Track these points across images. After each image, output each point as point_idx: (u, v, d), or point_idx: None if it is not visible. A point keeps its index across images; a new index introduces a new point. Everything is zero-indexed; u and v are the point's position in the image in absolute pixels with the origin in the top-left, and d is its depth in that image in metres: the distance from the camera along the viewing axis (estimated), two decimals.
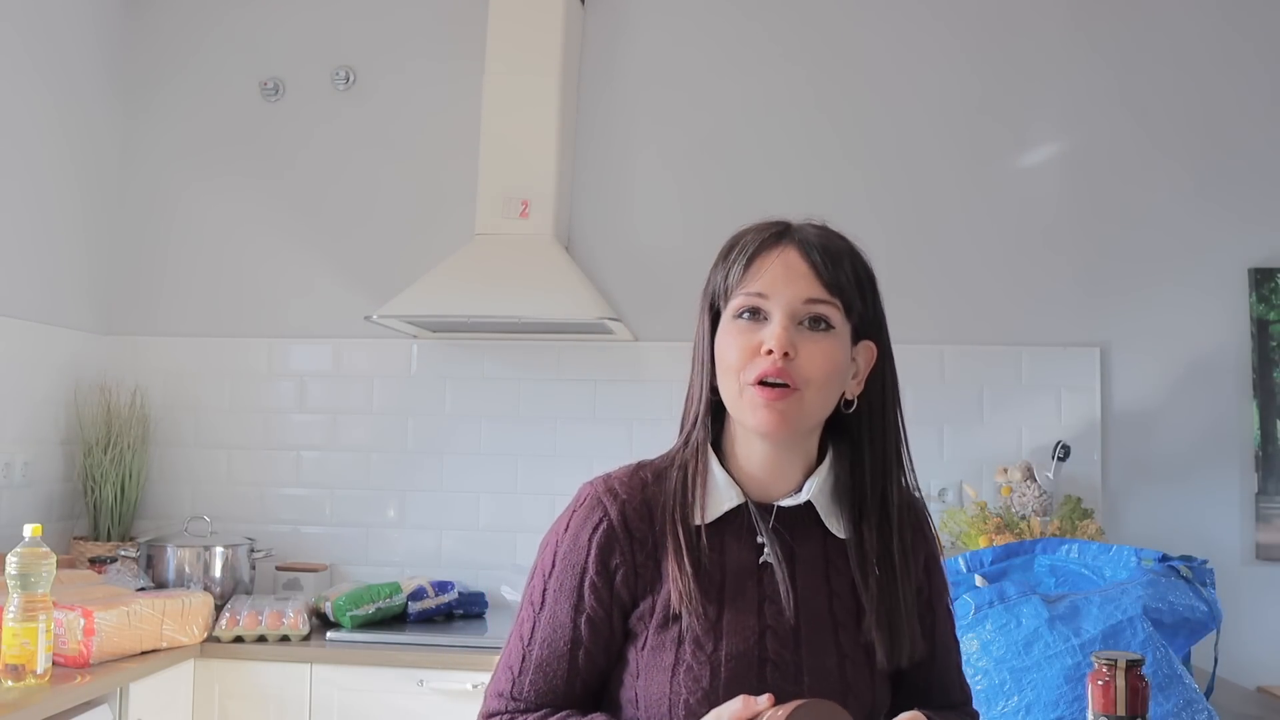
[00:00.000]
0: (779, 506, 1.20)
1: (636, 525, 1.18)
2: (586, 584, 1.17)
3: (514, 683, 1.19)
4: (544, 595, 1.19)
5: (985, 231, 3.15)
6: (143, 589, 2.71)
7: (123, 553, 2.92)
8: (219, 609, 2.73)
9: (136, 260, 3.37)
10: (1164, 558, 1.89)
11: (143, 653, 2.43)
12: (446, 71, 3.31)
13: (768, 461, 1.20)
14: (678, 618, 1.14)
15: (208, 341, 3.31)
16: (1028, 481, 2.83)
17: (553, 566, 1.19)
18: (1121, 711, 1.25)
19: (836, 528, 1.21)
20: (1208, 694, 1.75)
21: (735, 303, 1.18)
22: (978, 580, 1.95)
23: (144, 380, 3.27)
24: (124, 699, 2.32)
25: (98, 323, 3.31)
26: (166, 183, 3.38)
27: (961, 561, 2.03)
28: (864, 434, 1.22)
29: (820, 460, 1.24)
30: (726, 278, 1.20)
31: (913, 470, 1.26)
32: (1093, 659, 1.27)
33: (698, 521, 1.18)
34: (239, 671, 2.61)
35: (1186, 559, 1.90)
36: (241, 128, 3.37)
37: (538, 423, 3.21)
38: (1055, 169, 3.16)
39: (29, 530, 2.13)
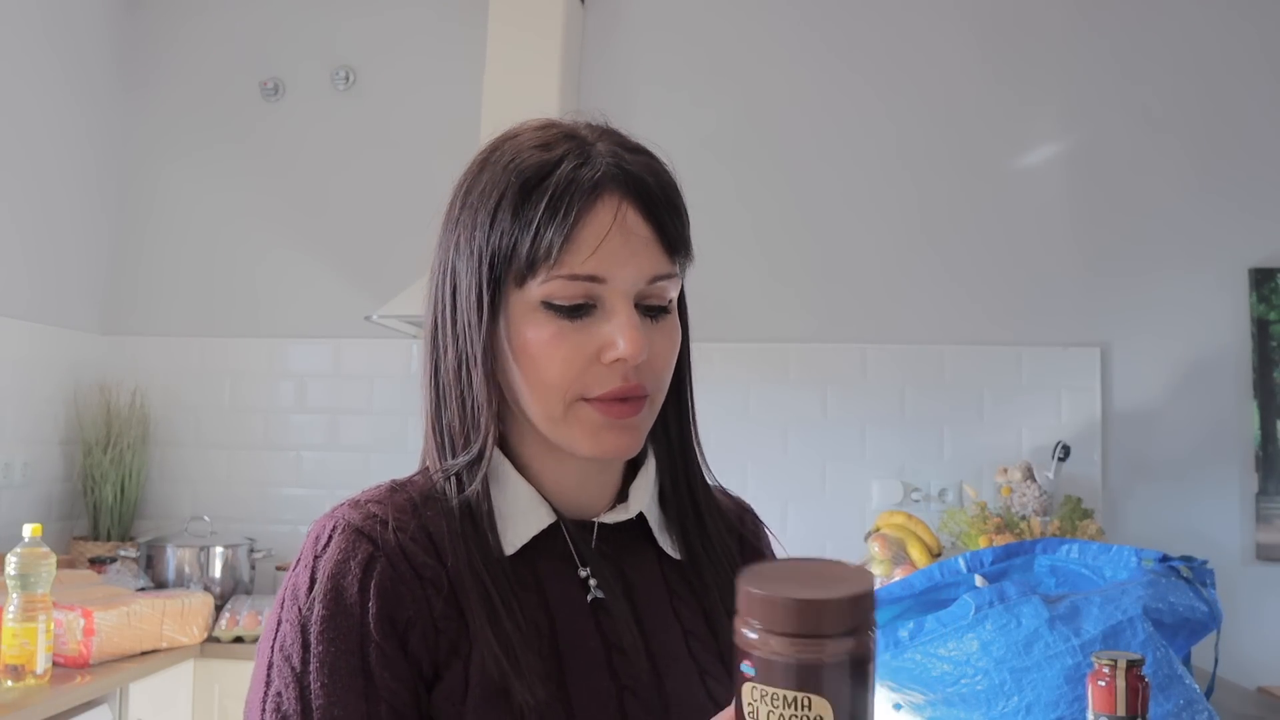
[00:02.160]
0: (601, 523, 0.91)
1: (422, 561, 0.82)
2: (372, 655, 0.79)
3: None
4: (304, 698, 0.77)
5: (985, 231, 3.15)
6: (143, 589, 2.71)
7: (123, 553, 2.93)
8: (219, 609, 2.73)
9: (136, 260, 3.37)
10: (1164, 558, 1.88)
11: (142, 653, 2.43)
12: (446, 71, 3.31)
13: (582, 471, 0.90)
14: (505, 692, 0.79)
15: (208, 341, 3.31)
16: (1028, 482, 2.83)
17: (304, 650, 0.79)
18: (1121, 711, 1.24)
19: (670, 546, 0.93)
20: (1208, 694, 1.75)
21: (550, 287, 0.82)
22: (978, 580, 1.95)
23: (144, 380, 3.27)
24: (124, 699, 2.32)
25: (98, 323, 3.31)
26: (167, 183, 3.38)
27: (961, 561, 2.03)
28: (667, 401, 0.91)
29: (638, 452, 0.93)
30: (534, 243, 0.81)
31: (699, 446, 0.95)
32: (1093, 659, 1.26)
33: (501, 552, 0.85)
34: (239, 671, 2.61)
35: (1186, 559, 1.89)
36: (241, 127, 3.37)
37: None
38: (1056, 169, 3.16)
39: (29, 530, 2.13)
